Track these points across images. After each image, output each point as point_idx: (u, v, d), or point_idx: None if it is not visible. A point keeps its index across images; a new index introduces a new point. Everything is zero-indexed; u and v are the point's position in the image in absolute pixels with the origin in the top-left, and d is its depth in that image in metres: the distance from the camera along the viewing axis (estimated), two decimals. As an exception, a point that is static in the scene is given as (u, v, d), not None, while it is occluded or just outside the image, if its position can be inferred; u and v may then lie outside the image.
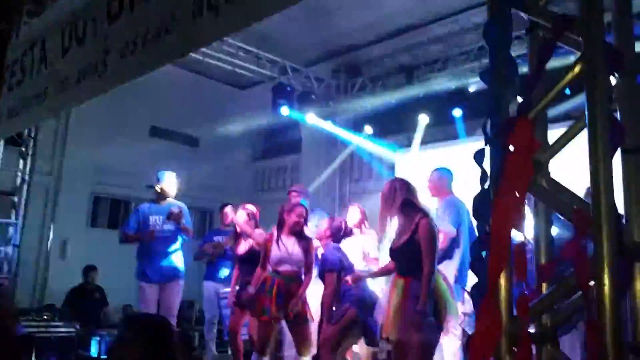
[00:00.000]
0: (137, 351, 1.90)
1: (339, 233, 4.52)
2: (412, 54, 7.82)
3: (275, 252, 4.38)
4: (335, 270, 4.22)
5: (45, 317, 6.18)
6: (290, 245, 4.37)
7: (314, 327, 4.43)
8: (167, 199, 5.38)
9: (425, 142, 7.73)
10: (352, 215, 5.21)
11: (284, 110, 7.93)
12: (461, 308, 4.60)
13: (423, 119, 7.58)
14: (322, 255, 4.53)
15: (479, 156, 1.81)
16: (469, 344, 1.87)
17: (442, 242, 3.99)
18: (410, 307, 3.34)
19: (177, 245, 5.35)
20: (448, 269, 4.40)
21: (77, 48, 3.23)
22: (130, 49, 2.75)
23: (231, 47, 7.34)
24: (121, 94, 7.68)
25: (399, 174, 7.42)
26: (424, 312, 3.26)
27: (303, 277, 4.40)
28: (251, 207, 5.16)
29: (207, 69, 8.57)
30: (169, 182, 5.40)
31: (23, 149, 7.33)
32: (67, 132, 8.59)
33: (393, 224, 3.71)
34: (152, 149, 8.84)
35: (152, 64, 2.67)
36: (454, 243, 4.52)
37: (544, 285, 1.93)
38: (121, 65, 2.83)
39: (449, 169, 4.92)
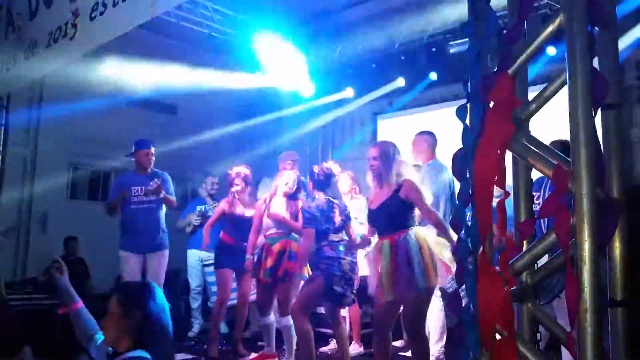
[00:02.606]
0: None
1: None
2: (391, 17, 7.67)
3: (265, 217, 4.62)
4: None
5: (28, 289, 6.13)
6: (277, 209, 4.56)
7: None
8: (148, 168, 5.26)
9: (407, 106, 7.68)
10: (343, 182, 5.20)
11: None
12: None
13: (403, 82, 7.50)
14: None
15: (461, 112, 1.77)
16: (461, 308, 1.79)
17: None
18: (402, 264, 3.32)
19: (161, 214, 5.27)
20: (428, 233, 4.42)
21: (45, 10, 3.09)
22: (100, 10, 2.64)
23: (207, 10, 7.14)
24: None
25: (381, 138, 7.38)
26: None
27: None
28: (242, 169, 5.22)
29: (183, 34, 8.35)
30: (139, 154, 5.26)
31: (-5, 120, 7.10)
32: (41, 102, 8.35)
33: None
34: (130, 118, 8.67)
35: (123, 25, 2.57)
36: (434, 207, 4.53)
37: (524, 243, 1.93)
38: (91, 27, 2.73)
39: (432, 132, 4.90)
